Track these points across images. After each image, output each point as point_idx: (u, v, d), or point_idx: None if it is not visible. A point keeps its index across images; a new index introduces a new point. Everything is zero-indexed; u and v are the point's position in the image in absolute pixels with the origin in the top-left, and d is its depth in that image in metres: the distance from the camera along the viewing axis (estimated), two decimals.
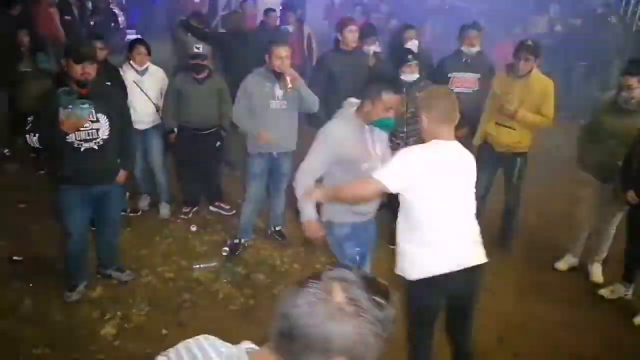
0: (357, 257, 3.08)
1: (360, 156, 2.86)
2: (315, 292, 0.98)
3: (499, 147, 4.10)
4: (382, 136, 3.00)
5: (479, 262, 2.53)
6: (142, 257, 4.16)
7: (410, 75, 3.98)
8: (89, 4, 9.63)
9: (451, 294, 2.56)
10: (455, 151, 2.52)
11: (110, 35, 8.48)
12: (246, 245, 4.36)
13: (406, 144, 4.06)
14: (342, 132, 2.83)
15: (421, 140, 2.61)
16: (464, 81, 4.65)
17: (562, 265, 4.25)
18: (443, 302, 2.62)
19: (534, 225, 4.54)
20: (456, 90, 4.45)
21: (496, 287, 3.55)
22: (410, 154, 2.47)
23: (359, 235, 3.06)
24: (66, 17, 8.22)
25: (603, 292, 3.92)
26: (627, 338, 3.51)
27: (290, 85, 3.78)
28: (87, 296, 3.67)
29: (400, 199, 2.51)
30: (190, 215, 4.85)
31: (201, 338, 1.14)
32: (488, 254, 2.59)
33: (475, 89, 4.60)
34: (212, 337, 1.14)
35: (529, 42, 4.07)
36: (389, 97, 2.78)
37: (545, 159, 5.35)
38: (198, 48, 4.41)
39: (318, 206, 2.94)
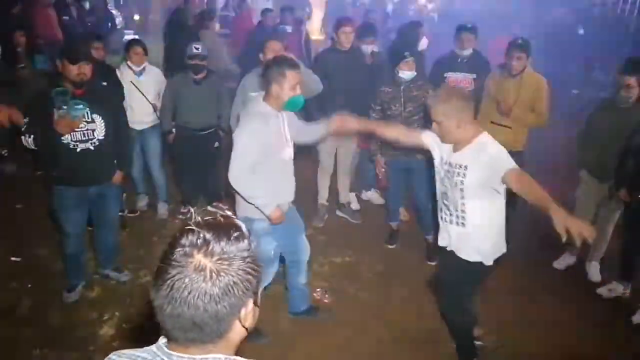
0: (272, 252, 3.08)
1: (281, 145, 2.92)
2: (188, 277, 0.96)
3: None
4: (289, 116, 2.98)
5: None
6: (141, 257, 4.15)
7: (407, 72, 3.95)
8: (87, 5, 9.64)
9: None
10: None
11: (108, 35, 8.51)
12: None
13: None
14: (261, 126, 2.82)
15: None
16: (459, 81, 4.64)
17: (560, 264, 4.26)
18: None
19: (532, 224, 4.53)
20: None
21: (494, 286, 3.54)
22: (501, 147, 2.58)
23: (278, 229, 3.04)
24: (64, 18, 8.23)
25: (601, 291, 3.93)
26: (626, 337, 3.51)
27: None
28: (86, 296, 3.67)
29: (493, 195, 2.60)
30: (188, 216, 4.85)
31: (112, 355, 1.11)
32: None
33: (471, 89, 4.59)
34: (124, 351, 1.11)
35: (520, 41, 4.07)
36: (292, 74, 2.79)
37: (542, 158, 5.34)
38: (197, 48, 4.34)
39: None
